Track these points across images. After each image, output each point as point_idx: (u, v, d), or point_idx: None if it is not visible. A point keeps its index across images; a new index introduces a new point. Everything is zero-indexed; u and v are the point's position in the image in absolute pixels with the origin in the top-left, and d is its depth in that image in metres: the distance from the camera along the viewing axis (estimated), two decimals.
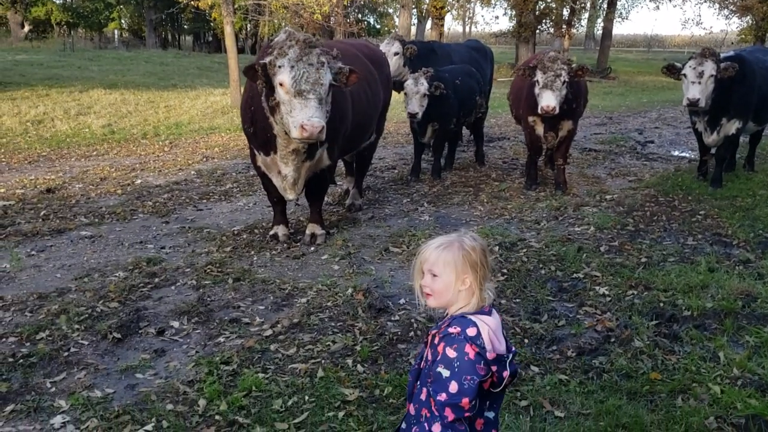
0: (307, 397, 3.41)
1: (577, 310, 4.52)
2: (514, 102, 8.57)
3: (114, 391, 3.50)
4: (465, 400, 1.94)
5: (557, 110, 7.07)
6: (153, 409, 3.32)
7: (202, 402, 3.37)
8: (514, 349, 2.13)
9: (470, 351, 1.95)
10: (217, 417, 3.25)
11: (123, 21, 47.30)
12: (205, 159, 9.91)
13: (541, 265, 5.33)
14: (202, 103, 16.30)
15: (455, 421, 1.96)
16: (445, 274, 2.06)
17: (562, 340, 4.06)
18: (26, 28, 39.14)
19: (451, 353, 1.96)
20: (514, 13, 28.38)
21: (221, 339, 4.08)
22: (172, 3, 28.20)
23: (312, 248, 5.80)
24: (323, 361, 3.78)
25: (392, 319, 4.37)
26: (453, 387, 1.94)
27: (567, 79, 7.06)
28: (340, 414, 3.26)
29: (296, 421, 3.21)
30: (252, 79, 5.14)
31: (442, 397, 1.95)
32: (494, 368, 1.97)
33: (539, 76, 7.11)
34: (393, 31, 25.17)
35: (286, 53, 4.95)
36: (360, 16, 32.59)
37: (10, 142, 10.87)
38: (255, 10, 22.33)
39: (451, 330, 2.00)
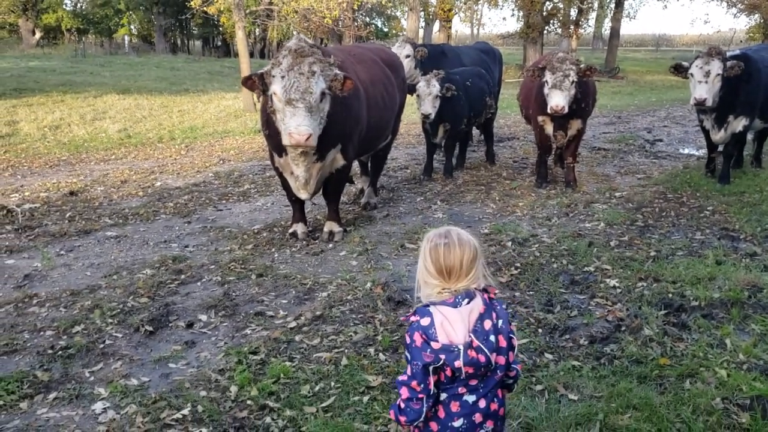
0: (333, 383, 3.60)
1: (589, 301, 4.68)
2: (524, 102, 8.73)
3: (149, 380, 3.70)
4: (414, 383, 2.13)
5: (566, 110, 7.22)
6: (188, 395, 3.51)
7: (233, 388, 3.56)
8: (473, 341, 2.11)
9: (418, 339, 2.13)
10: (248, 402, 3.44)
11: (132, 27, 47.73)
12: (221, 161, 10.12)
13: (553, 260, 5.49)
14: (214, 107, 16.53)
15: (409, 400, 2.16)
16: None
17: (575, 329, 4.22)
18: (37, 35, 39.56)
19: (407, 339, 2.17)
20: (521, 14, 28.47)
21: (248, 331, 4.28)
22: (181, 9, 28.47)
23: (330, 245, 5.99)
24: (347, 350, 3.96)
25: (411, 310, 4.54)
26: (409, 370, 2.15)
27: (576, 79, 7.21)
28: (365, 398, 3.45)
29: (324, 404, 3.40)
30: (250, 89, 5.37)
31: (402, 377, 2.18)
32: (442, 357, 2.10)
33: (548, 76, 7.27)
34: (401, 34, 25.37)
35: (280, 63, 5.16)
36: (368, 19, 32.78)
37: (29, 147, 11.14)
38: (265, 14, 22.54)
39: (412, 318, 2.19)
